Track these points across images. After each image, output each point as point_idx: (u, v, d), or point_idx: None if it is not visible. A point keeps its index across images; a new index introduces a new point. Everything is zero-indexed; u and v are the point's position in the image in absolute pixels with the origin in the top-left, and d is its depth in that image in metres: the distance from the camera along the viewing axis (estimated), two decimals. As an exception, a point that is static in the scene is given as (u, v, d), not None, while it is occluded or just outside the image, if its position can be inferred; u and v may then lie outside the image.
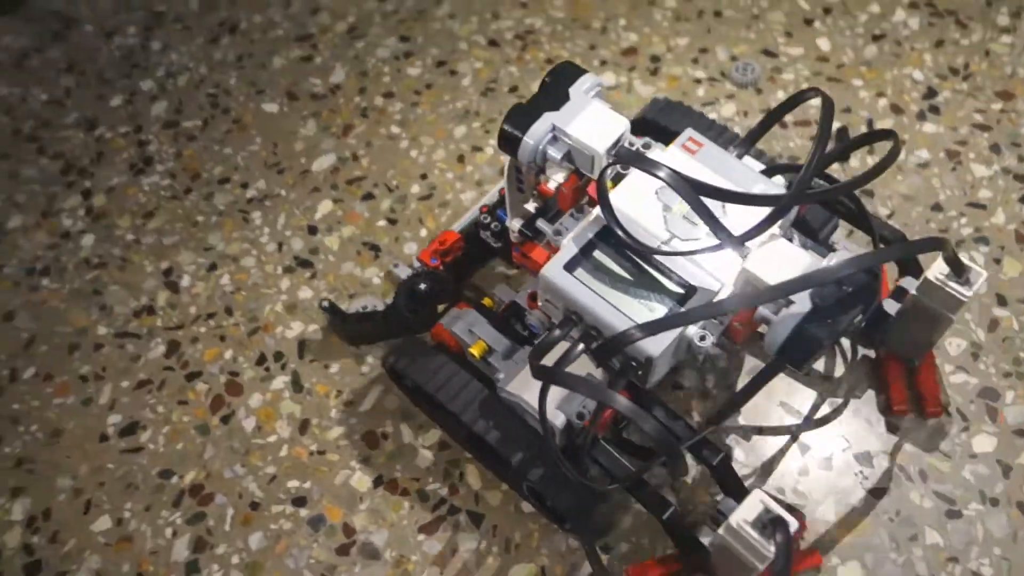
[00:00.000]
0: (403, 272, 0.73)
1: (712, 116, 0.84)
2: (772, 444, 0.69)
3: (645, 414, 0.51)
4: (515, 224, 0.62)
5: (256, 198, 0.85)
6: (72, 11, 1.02)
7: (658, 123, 0.70)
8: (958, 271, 0.57)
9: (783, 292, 0.50)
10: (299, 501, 0.69)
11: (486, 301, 0.67)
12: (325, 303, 0.72)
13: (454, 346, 0.64)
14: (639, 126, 0.71)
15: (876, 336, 0.67)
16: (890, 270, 0.70)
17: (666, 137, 0.61)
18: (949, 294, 0.58)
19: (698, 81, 0.87)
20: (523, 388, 0.59)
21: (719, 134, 0.70)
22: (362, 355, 0.75)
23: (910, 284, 0.63)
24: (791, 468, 0.67)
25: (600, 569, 0.59)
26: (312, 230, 0.82)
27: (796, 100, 0.57)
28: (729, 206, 0.55)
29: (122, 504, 0.70)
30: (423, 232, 0.81)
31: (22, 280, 0.82)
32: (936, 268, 0.58)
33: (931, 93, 0.85)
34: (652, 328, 0.50)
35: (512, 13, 0.95)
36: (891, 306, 0.64)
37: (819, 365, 0.72)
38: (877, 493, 0.66)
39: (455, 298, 0.68)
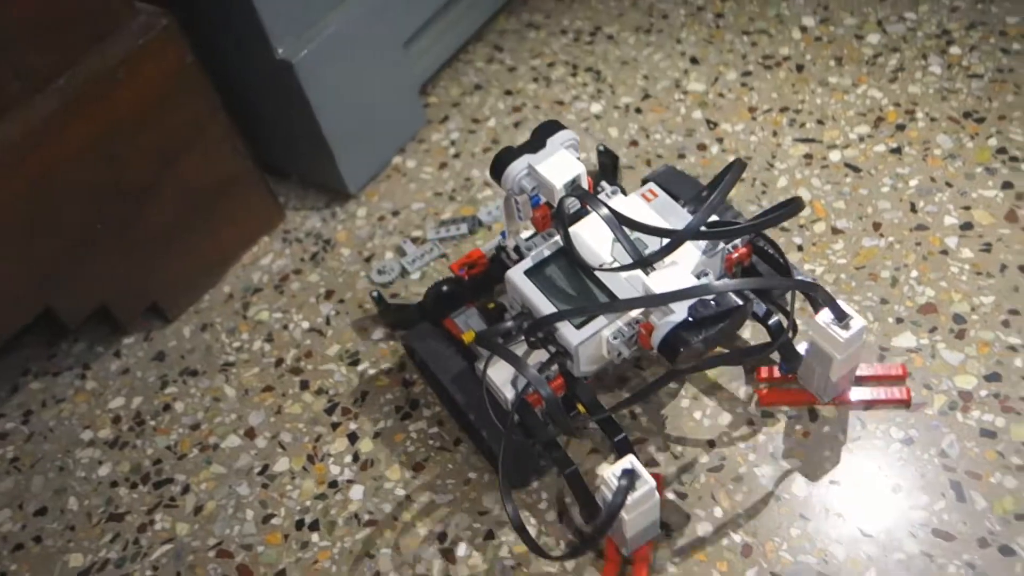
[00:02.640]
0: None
1: None
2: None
3: (543, 382, 0.67)
4: (510, 243, 0.81)
5: (531, 456, 0.81)
6: (328, 232, 1.03)
7: (659, 184, 0.82)
8: (839, 316, 0.69)
9: (662, 300, 0.64)
10: None
11: (490, 305, 0.82)
12: (375, 293, 0.89)
13: (457, 334, 0.81)
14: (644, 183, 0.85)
15: (788, 372, 0.79)
16: None
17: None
18: (831, 335, 0.69)
19: (1013, 349, 0.79)
20: (490, 368, 0.73)
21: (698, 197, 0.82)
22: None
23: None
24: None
25: (514, 511, 0.68)
26: (595, 499, 0.77)
27: (727, 170, 0.70)
28: (678, 251, 0.69)
29: None
30: (717, 511, 0.75)
31: (292, 534, 0.80)
32: (825, 313, 0.69)
33: None
34: (565, 314, 0.68)
35: (788, 256, 0.90)
36: (802, 347, 0.77)
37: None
38: None
39: (471, 300, 0.85)
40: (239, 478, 0.84)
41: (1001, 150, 0.94)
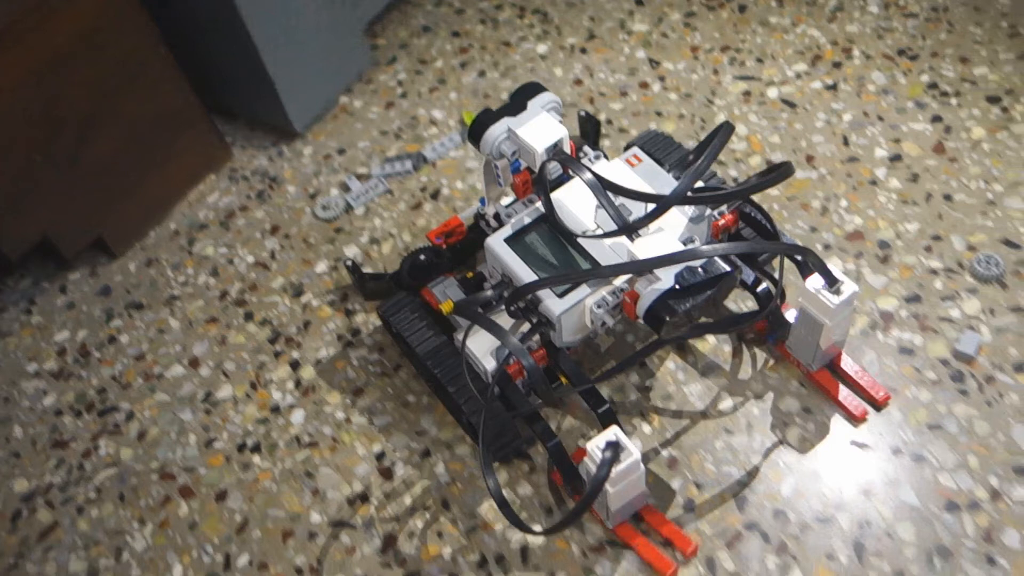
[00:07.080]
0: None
1: (953, 311, 0.79)
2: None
3: (525, 352, 0.65)
4: (490, 210, 0.78)
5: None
6: (275, 170, 1.04)
7: (643, 149, 0.82)
8: (829, 281, 0.66)
9: (647, 265, 0.62)
10: None
11: (469, 274, 0.80)
12: (349, 262, 0.87)
13: (435, 305, 0.78)
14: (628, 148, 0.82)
15: (776, 340, 0.77)
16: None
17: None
18: (822, 301, 0.67)
19: (934, 272, 0.82)
20: (469, 339, 0.71)
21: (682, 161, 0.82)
22: (590, 565, 0.70)
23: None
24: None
25: (494, 482, 0.66)
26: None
27: (714, 133, 0.68)
28: (664, 218, 0.67)
29: None
30: (645, 427, 0.77)
31: (233, 456, 0.81)
32: (815, 278, 0.67)
33: None
34: (547, 282, 0.65)
35: (723, 188, 0.92)
36: (791, 314, 0.75)
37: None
38: None
39: (448, 270, 0.82)
40: (182, 405, 0.86)
41: (932, 85, 0.97)
